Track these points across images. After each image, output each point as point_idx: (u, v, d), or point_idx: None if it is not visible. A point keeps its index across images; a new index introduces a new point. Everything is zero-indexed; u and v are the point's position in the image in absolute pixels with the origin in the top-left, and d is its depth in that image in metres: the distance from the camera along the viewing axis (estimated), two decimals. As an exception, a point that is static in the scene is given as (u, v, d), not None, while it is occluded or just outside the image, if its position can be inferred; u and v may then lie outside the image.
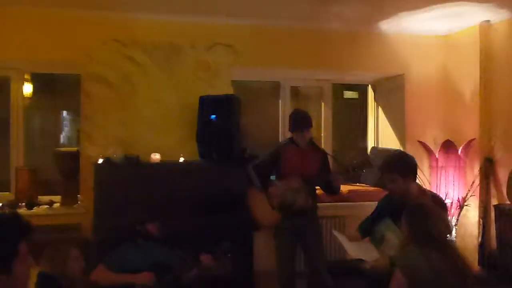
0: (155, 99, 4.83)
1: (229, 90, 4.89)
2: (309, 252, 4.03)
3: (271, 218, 3.89)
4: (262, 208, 3.90)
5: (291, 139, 4.10)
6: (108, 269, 3.45)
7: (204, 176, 4.42)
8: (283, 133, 5.39)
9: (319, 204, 4.17)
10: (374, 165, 3.67)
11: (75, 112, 5.41)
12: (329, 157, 4.17)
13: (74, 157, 4.70)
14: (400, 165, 3.14)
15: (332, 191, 4.04)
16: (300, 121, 4.03)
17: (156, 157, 4.56)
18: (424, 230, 2.58)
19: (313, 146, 4.09)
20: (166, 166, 4.50)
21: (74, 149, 4.86)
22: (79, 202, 4.74)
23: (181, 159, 4.61)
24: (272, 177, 4.09)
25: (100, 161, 4.41)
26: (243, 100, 4.69)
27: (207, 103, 4.56)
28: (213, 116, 4.50)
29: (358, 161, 3.68)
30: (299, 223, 3.94)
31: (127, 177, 4.32)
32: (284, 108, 5.46)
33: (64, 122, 5.91)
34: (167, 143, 4.73)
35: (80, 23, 4.66)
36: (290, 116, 4.13)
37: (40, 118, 5.79)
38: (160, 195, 4.26)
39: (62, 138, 5.85)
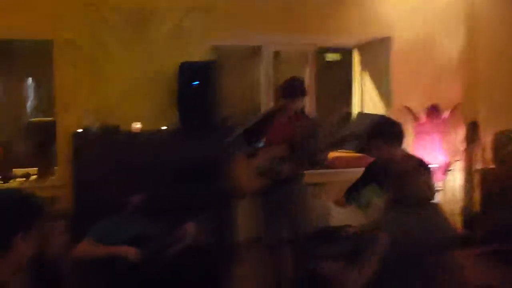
0: (131, 66, 4.87)
1: (208, 56, 4.95)
2: (294, 219, 4.08)
3: (256, 185, 4.01)
4: (247, 175, 4.02)
5: (281, 106, 4.17)
6: (95, 242, 3.52)
7: (185, 145, 4.51)
8: (265, 100, 5.49)
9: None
10: (360, 131, 3.74)
11: (40, 80, 5.40)
12: (319, 127, 4.18)
13: (49, 127, 4.79)
14: (386, 132, 3.23)
15: (317, 163, 4.10)
16: (293, 89, 4.09)
17: (137, 126, 4.67)
18: (408, 194, 2.72)
19: (304, 115, 4.19)
20: (147, 135, 4.62)
21: (49, 119, 4.94)
22: (55, 174, 4.84)
23: (163, 128, 4.74)
24: (260, 144, 4.19)
25: (78, 131, 4.51)
26: (223, 66, 4.81)
27: (188, 70, 4.65)
28: (194, 83, 4.61)
29: (349, 132, 3.78)
30: (285, 191, 4.04)
31: (106, 147, 4.44)
32: (266, 74, 5.52)
33: (29, 91, 5.73)
34: (145, 112, 4.82)
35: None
36: (284, 83, 4.19)
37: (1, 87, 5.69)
38: (141, 166, 4.34)
39: (29, 107, 5.71)
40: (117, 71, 4.90)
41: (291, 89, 4.13)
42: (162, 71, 4.91)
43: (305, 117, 4.20)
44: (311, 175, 4.71)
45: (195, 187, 4.43)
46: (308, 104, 5.65)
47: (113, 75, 4.90)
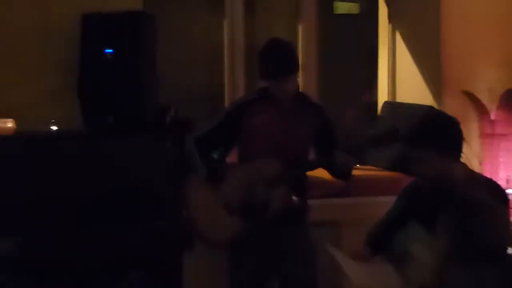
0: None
1: (136, 3, 4.77)
2: (290, 283, 4.02)
3: (226, 229, 3.95)
4: (209, 211, 3.98)
5: (263, 92, 4.05)
6: None
7: (95, 156, 4.32)
8: (232, 78, 5.36)
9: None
10: (396, 132, 3.79)
11: None
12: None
13: None
14: (438, 135, 3.21)
15: (340, 174, 4.10)
16: (280, 61, 3.98)
17: (8, 125, 4.38)
18: (476, 240, 2.80)
19: (303, 101, 4.08)
20: (24, 141, 4.39)
21: None
22: None
23: (53, 127, 4.50)
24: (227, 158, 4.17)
25: None
26: (160, 21, 4.64)
27: (97, 27, 4.47)
28: (108, 50, 4.45)
29: (380, 131, 3.81)
30: (276, 237, 3.95)
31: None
32: (232, 36, 5.44)
33: None
34: (23, 100, 4.58)
35: None
36: (261, 53, 4.05)
37: None
38: (17, 194, 4.12)
39: None
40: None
41: (274, 62, 4.04)
42: (52, 29, 4.67)
43: (307, 106, 4.14)
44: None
45: (112, 230, 4.24)
46: (306, 81, 5.57)
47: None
